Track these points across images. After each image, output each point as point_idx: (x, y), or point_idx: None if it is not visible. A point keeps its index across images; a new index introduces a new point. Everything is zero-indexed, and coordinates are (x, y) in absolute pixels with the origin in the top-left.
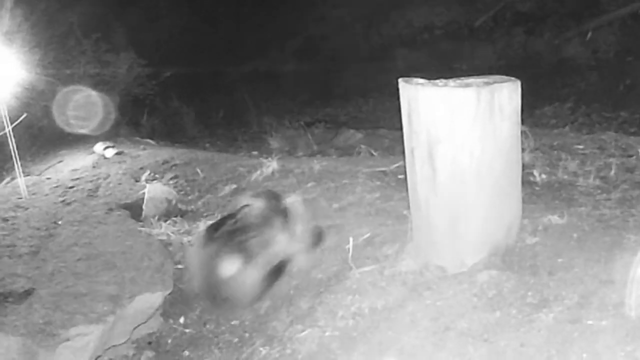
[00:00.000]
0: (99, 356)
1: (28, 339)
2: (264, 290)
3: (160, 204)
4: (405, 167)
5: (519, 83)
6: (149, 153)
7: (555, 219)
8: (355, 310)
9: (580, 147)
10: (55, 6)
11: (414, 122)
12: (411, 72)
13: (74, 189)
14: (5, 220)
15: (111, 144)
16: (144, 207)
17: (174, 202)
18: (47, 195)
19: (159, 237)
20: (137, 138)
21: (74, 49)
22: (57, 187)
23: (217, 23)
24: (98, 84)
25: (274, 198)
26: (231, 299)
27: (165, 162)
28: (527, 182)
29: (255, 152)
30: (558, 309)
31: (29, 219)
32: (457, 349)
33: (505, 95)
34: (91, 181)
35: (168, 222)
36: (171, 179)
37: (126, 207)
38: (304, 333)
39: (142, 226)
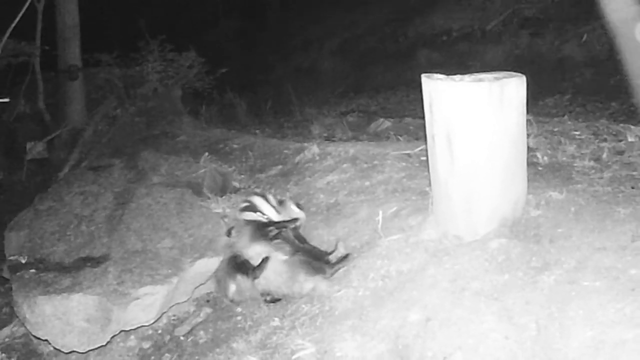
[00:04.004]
0: (165, 312)
1: (103, 297)
2: None
3: (217, 182)
4: (427, 150)
5: (524, 78)
6: (208, 138)
7: (555, 194)
8: (384, 273)
9: (577, 133)
10: (128, 12)
11: (435, 112)
12: (432, 69)
13: (139, 167)
14: (84, 192)
15: None
16: (203, 184)
17: (229, 180)
18: (118, 173)
19: (216, 211)
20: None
21: (143, 49)
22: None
23: (266, 26)
24: (163, 79)
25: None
26: None
27: (221, 146)
28: (531, 163)
29: (298, 138)
30: (558, 272)
31: (104, 192)
32: (472, 306)
33: (512, 89)
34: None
35: (224, 197)
36: (227, 160)
37: (187, 184)
38: (340, 292)
39: (202, 201)
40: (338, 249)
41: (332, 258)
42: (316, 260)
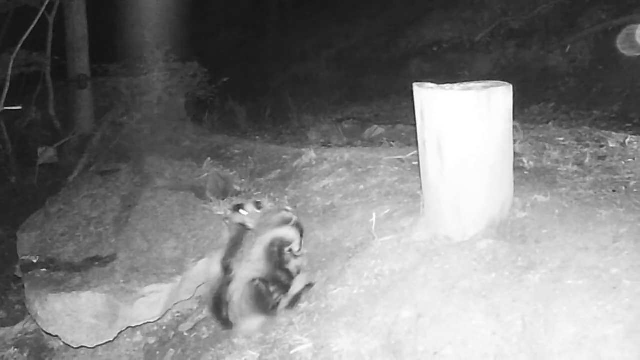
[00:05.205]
0: (169, 309)
1: (111, 295)
2: None
3: (218, 185)
4: (418, 155)
5: (511, 87)
6: (210, 143)
7: (540, 197)
8: (377, 272)
9: (561, 139)
10: (134, 25)
11: (426, 119)
12: (423, 78)
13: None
14: (92, 196)
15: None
16: (206, 187)
17: (230, 183)
18: (125, 177)
19: (217, 213)
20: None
21: (149, 59)
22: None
23: (265, 37)
24: (168, 87)
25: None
26: None
27: (223, 151)
28: (517, 167)
29: (296, 144)
30: (543, 271)
31: (111, 196)
32: (461, 303)
33: (500, 97)
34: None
35: (225, 200)
36: (228, 165)
37: (190, 188)
38: (336, 291)
39: (204, 204)
40: (296, 283)
41: (289, 294)
42: (265, 297)
